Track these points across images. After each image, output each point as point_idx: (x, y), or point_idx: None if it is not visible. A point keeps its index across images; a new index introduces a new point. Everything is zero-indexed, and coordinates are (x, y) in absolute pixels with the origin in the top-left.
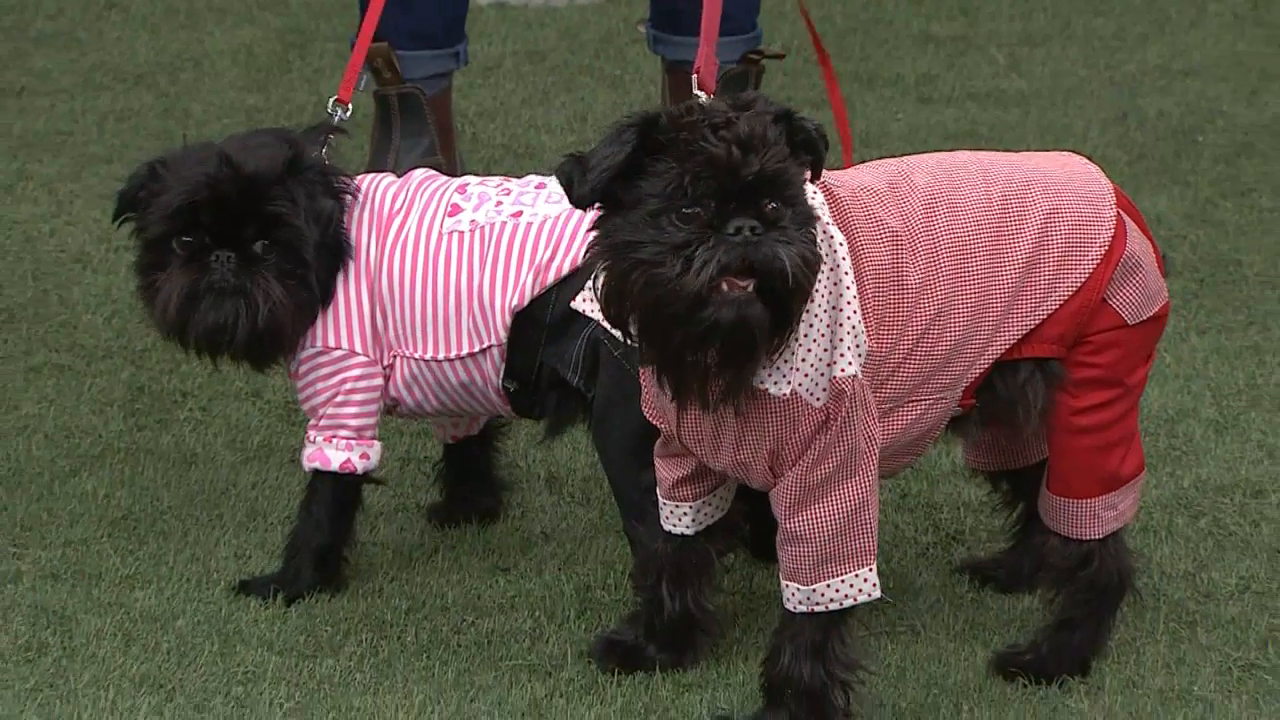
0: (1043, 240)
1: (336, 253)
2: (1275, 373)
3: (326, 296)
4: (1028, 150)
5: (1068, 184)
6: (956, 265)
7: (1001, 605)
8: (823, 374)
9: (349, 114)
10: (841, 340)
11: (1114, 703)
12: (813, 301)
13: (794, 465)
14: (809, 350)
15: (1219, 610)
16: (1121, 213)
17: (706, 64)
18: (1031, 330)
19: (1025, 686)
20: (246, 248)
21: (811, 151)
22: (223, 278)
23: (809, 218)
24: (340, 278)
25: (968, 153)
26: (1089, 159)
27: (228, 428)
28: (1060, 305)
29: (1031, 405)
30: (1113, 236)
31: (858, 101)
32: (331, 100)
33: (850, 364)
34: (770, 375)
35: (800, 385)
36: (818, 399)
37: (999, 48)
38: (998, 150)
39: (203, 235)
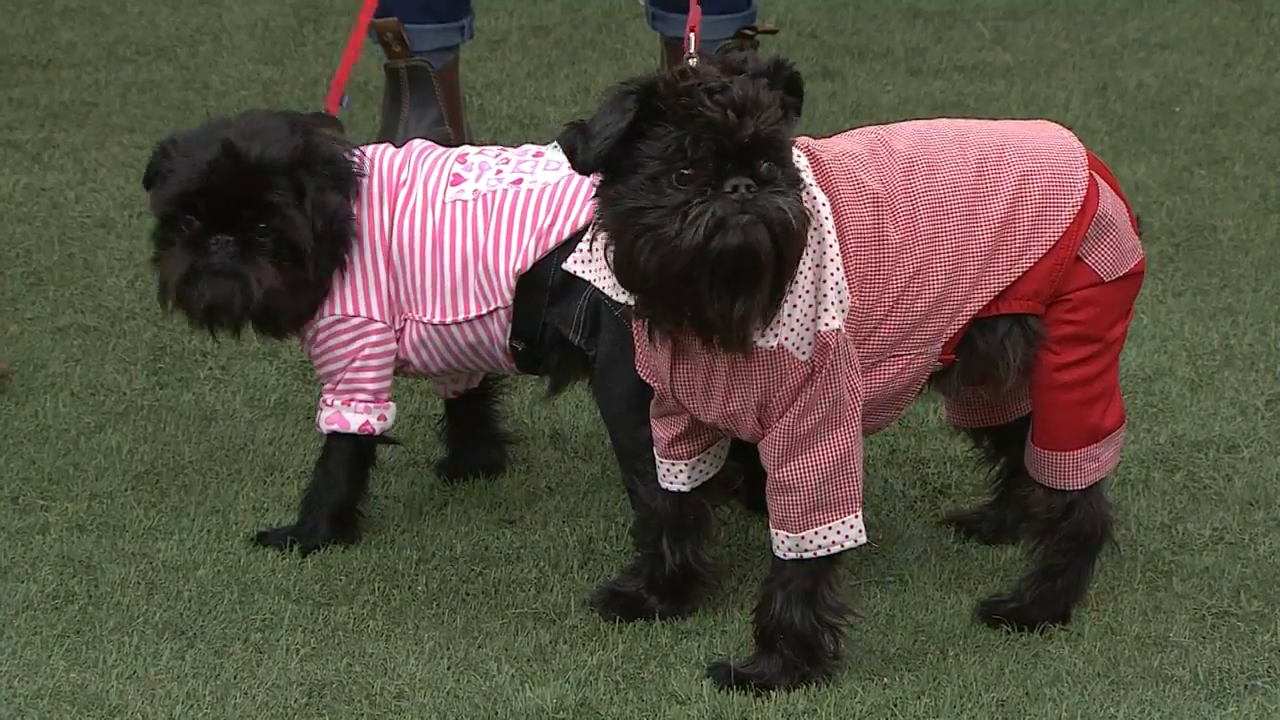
0: (1017, 201)
1: (340, 243)
2: (1247, 333)
3: (325, 280)
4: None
5: (1041, 147)
6: (934, 225)
7: (985, 556)
8: (808, 328)
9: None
10: (825, 296)
11: (1093, 649)
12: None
13: (781, 417)
14: (794, 305)
15: (1194, 560)
16: (1094, 174)
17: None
18: (1008, 287)
19: (1008, 633)
20: (246, 232)
21: (796, 92)
22: (219, 261)
23: (797, 179)
24: (357, 248)
25: (945, 120)
26: (1066, 127)
27: (246, 386)
28: (1035, 263)
29: (1011, 360)
30: (1085, 197)
31: (849, 74)
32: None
33: (834, 319)
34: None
35: (787, 339)
36: (803, 352)
37: (985, 22)
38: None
39: (204, 218)
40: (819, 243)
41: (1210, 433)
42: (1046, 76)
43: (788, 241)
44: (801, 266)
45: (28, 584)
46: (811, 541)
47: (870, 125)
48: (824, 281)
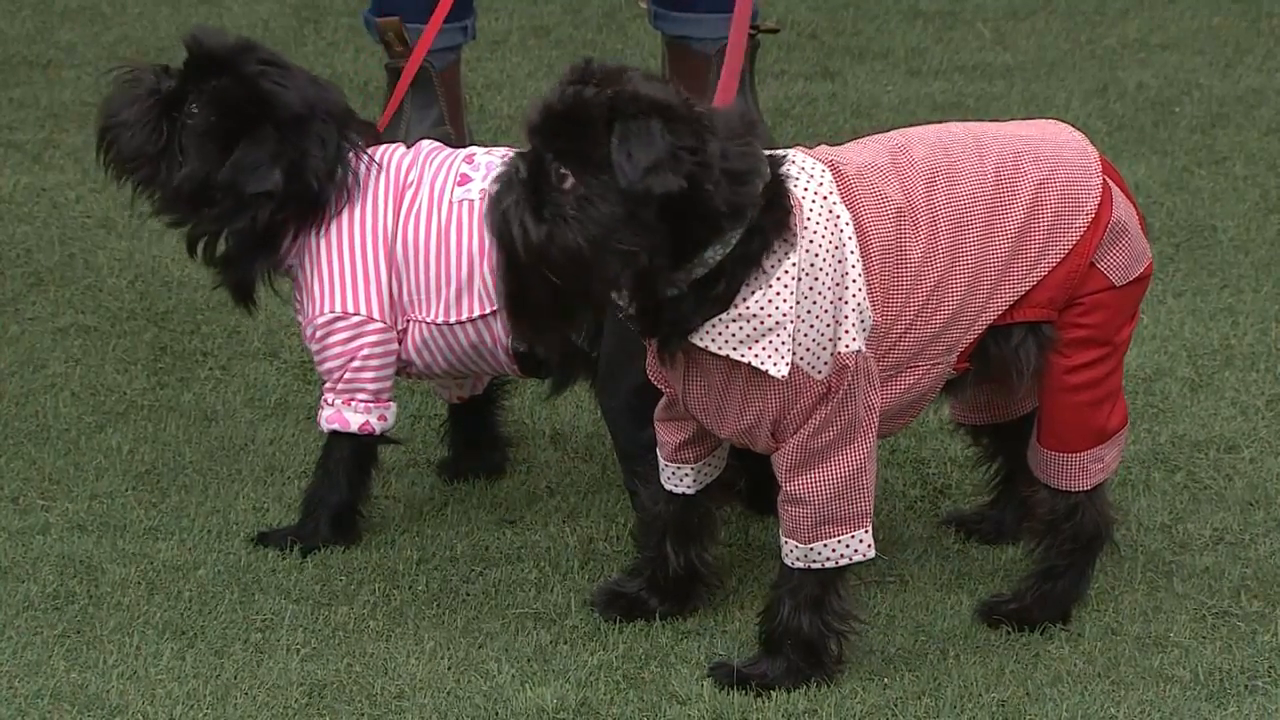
0: (1034, 209)
1: (303, 200)
2: (1248, 333)
3: (270, 224)
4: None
5: (1056, 154)
6: (954, 237)
7: (985, 556)
8: (825, 348)
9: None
10: (846, 318)
11: (1094, 649)
12: (816, 280)
13: (795, 433)
14: (811, 326)
15: (1194, 560)
16: (1107, 179)
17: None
18: (1023, 295)
19: (1009, 633)
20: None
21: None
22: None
23: (595, 203)
24: (359, 244)
25: (960, 125)
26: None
27: (246, 386)
28: (1050, 271)
29: (1025, 367)
30: (1099, 203)
31: (849, 74)
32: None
33: (854, 340)
34: (707, 334)
35: (802, 359)
36: (820, 372)
37: (985, 22)
38: (984, 121)
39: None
40: (840, 262)
41: (1210, 433)
42: (1046, 76)
43: (515, 245)
44: (820, 287)
45: (28, 584)
46: (820, 554)
47: (871, 126)
48: (845, 302)
